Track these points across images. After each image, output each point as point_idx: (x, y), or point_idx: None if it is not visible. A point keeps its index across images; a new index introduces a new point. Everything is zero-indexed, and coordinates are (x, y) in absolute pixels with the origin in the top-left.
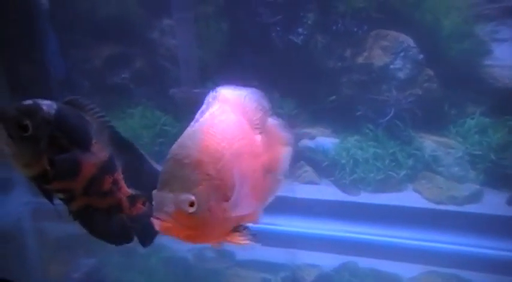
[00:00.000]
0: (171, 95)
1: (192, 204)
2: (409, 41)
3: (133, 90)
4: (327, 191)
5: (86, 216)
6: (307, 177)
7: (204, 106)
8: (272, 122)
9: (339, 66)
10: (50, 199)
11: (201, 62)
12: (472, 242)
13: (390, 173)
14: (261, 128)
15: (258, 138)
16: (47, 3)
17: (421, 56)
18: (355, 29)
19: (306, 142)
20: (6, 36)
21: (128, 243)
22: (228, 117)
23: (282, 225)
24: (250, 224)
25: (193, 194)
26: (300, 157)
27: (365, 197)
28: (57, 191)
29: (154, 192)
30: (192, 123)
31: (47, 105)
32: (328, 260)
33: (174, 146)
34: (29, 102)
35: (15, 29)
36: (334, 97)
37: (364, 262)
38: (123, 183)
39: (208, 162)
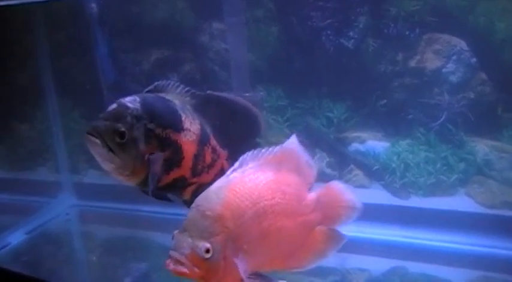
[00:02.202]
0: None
1: (208, 251)
2: (462, 44)
3: None
4: (377, 195)
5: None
6: (357, 181)
7: (237, 164)
8: (336, 184)
9: (390, 70)
10: (166, 198)
11: (251, 65)
12: None
13: (441, 177)
14: (312, 185)
15: (311, 195)
16: (96, 7)
17: (474, 60)
18: (407, 33)
19: (356, 146)
20: (58, 41)
21: None
22: (261, 176)
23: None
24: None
25: (210, 243)
26: (350, 161)
27: (415, 201)
28: (169, 186)
29: (175, 232)
30: (221, 178)
31: (131, 101)
32: (378, 265)
33: (200, 197)
34: (112, 106)
35: (65, 33)
36: (385, 101)
37: (415, 267)
38: (218, 147)
39: (229, 217)
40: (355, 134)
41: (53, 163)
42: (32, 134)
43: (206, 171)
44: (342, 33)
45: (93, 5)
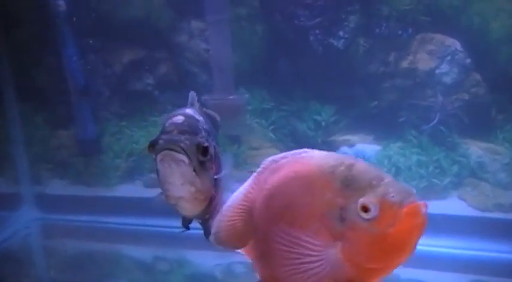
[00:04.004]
0: (202, 102)
1: None
2: (456, 44)
3: (157, 97)
4: None
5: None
6: None
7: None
8: None
9: (381, 71)
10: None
11: (234, 67)
12: None
13: (434, 180)
14: None
15: None
16: (64, 4)
17: (468, 60)
18: (400, 33)
19: (345, 149)
20: (18, 40)
21: None
22: None
23: None
24: None
25: None
26: None
27: None
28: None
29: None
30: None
31: (195, 113)
32: None
33: (332, 156)
34: (179, 117)
35: (29, 33)
36: (376, 103)
37: (407, 273)
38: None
39: None
40: (344, 137)
41: (12, 173)
42: None
43: None
44: (331, 32)
45: (60, 2)
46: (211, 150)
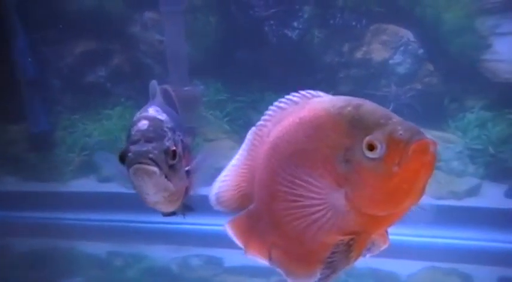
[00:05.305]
0: None
1: None
2: (409, 35)
3: (110, 90)
4: None
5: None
6: None
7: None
8: None
9: (336, 61)
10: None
11: (188, 58)
12: (471, 235)
13: None
14: None
15: None
16: None
17: (421, 51)
18: (354, 23)
19: None
20: None
21: None
22: None
23: None
24: None
25: None
26: None
27: None
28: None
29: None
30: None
31: (158, 113)
32: None
33: (340, 98)
34: (143, 122)
35: None
36: (331, 93)
37: (361, 261)
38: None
39: None
40: None
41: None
42: None
43: None
44: (285, 23)
45: None
46: (179, 150)
